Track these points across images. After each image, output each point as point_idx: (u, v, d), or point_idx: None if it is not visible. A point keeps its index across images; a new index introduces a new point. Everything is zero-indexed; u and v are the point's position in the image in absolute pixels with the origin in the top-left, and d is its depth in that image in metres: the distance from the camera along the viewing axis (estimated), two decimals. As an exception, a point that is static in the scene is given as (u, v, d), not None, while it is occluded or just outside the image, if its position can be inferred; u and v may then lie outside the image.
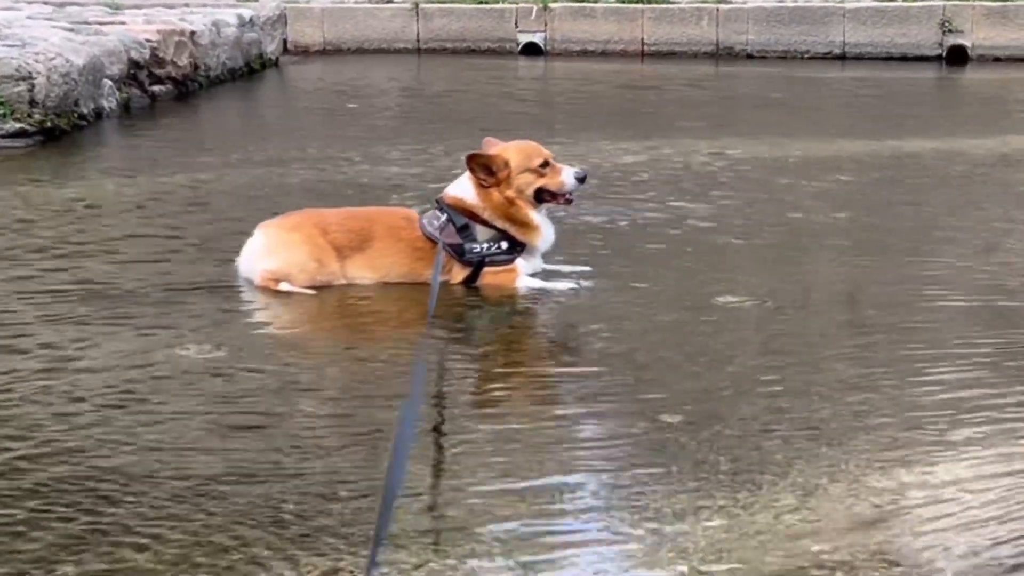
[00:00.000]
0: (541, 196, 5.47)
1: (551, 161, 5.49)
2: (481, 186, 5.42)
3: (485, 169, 5.41)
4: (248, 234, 5.57)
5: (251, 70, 13.72)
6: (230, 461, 3.64)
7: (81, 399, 4.12)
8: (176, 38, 11.69)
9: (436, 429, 3.91)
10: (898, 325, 4.96)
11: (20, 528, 3.22)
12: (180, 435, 3.83)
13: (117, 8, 13.86)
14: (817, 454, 3.68)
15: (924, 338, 4.79)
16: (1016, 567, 3.04)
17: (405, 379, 4.28)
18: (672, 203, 7.20)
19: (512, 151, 5.47)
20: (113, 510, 3.32)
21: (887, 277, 5.66)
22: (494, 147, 5.55)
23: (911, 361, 4.52)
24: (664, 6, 16.02)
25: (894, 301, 5.30)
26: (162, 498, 3.39)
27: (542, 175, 5.44)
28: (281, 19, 15.41)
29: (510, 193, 5.40)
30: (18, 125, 8.91)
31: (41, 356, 4.55)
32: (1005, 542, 3.15)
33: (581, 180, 5.52)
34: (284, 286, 5.34)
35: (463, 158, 5.53)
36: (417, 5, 16.31)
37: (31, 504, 3.36)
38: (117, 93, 10.45)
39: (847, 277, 5.73)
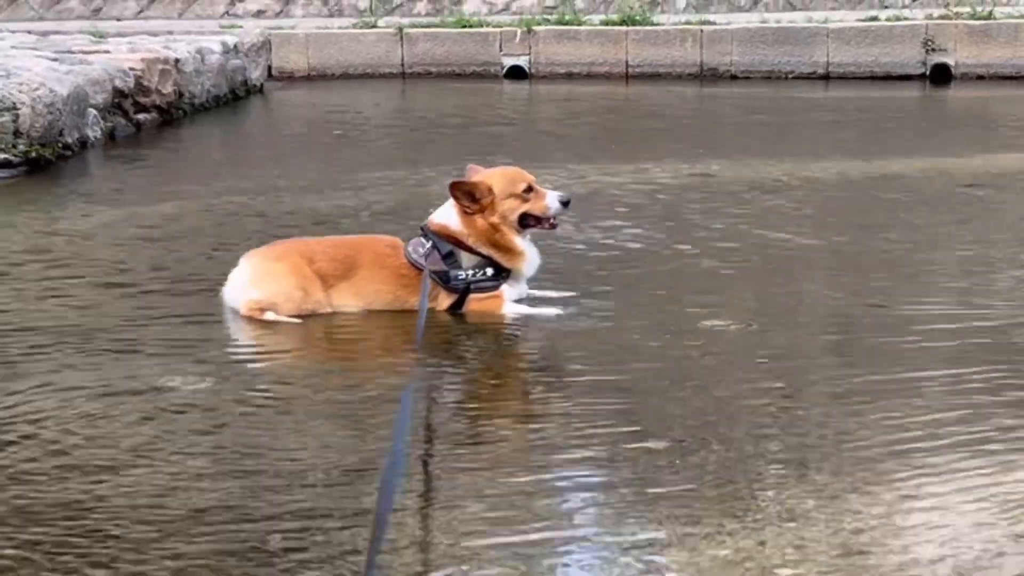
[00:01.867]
0: (526, 221, 5.47)
1: (535, 186, 5.50)
2: (465, 213, 5.42)
3: (469, 196, 5.41)
4: (233, 264, 5.57)
5: (236, 97, 13.73)
6: (216, 493, 3.63)
7: (66, 430, 4.11)
8: (160, 66, 11.70)
9: (423, 458, 3.90)
10: (884, 348, 4.96)
11: (7, 562, 3.21)
12: (166, 466, 3.82)
13: (101, 37, 13.87)
14: (803, 479, 3.68)
15: (910, 361, 4.79)
16: (1003, 591, 3.04)
17: (393, 408, 4.27)
18: (657, 226, 7.20)
19: (495, 177, 5.48)
20: (99, 544, 3.30)
21: (872, 299, 5.66)
22: (477, 174, 5.55)
23: (897, 384, 4.52)
24: (648, 28, 16.06)
25: (879, 323, 5.30)
26: (148, 531, 3.38)
27: (526, 200, 5.45)
28: (265, 45, 15.42)
29: (494, 219, 5.40)
30: (2, 156, 8.91)
31: (25, 387, 4.53)
32: (991, 567, 3.15)
33: (565, 204, 5.53)
34: (270, 316, 5.34)
35: (447, 185, 5.54)
36: (401, 30, 16.34)
37: (19, 537, 3.34)
38: (102, 122, 10.45)
39: (832, 299, 5.73)
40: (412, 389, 4.33)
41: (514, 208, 5.43)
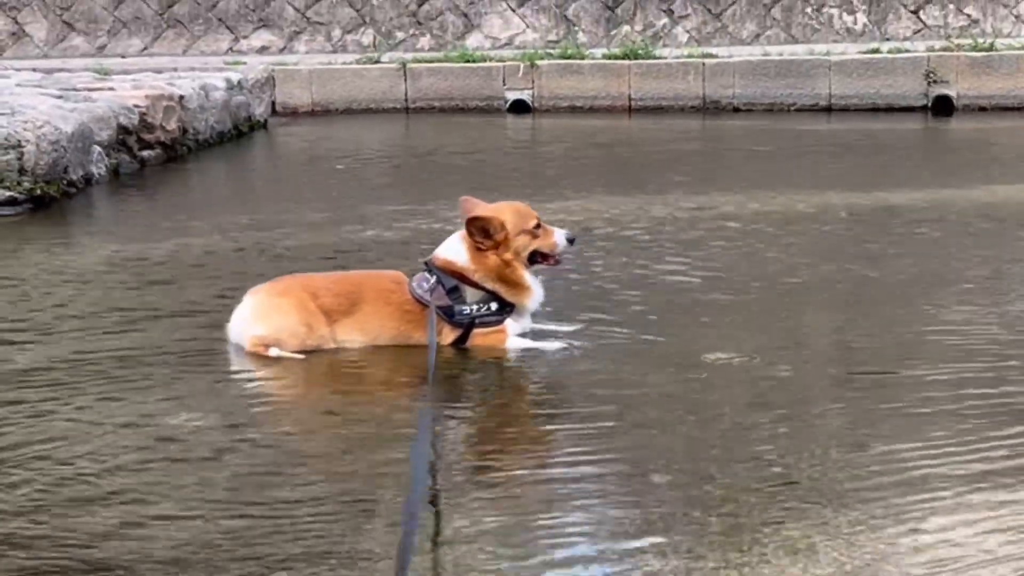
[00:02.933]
0: (534, 258, 5.50)
1: (542, 222, 5.53)
2: (478, 249, 5.44)
3: (482, 232, 5.42)
4: (237, 300, 5.58)
5: (240, 133, 13.76)
6: (222, 530, 3.63)
7: (68, 465, 4.12)
8: (165, 103, 11.74)
9: (433, 495, 3.90)
10: (887, 381, 4.97)
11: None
12: (168, 503, 3.82)
13: (105, 74, 13.93)
14: (808, 512, 3.68)
15: (915, 393, 4.79)
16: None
17: (398, 444, 4.29)
18: (660, 259, 7.21)
19: (507, 213, 5.50)
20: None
21: (875, 331, 5.66)
22: (478, 207, 5.56)
23: (901, 417, 4.52)
24: (650, 61, 16.10)
25: (883, 356, 5.30)
26: (152, 570, 3.38)
27: (536, 236, 5.48)
28: (269, 81, 15.49)
29: (508, 255, 5.42)
30: (7, 193, 8.94)
31: (28, 424, 4.54)
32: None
33: (571, 242, 5.57)
34: (274, 351, 5.35)
35: (458, 220, 5.55)
36: (404, 65, 16.39)
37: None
38: (106, 159, 10.48)
39: (835, 331, 5.74)
40: (429, 424, 4.32)
41: (526, 244, 5.46)
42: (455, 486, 4.00)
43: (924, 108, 15.30)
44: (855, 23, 18.12)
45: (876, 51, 16.07)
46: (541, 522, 3.69)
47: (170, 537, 3.59)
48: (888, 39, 17.60)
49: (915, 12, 18.01)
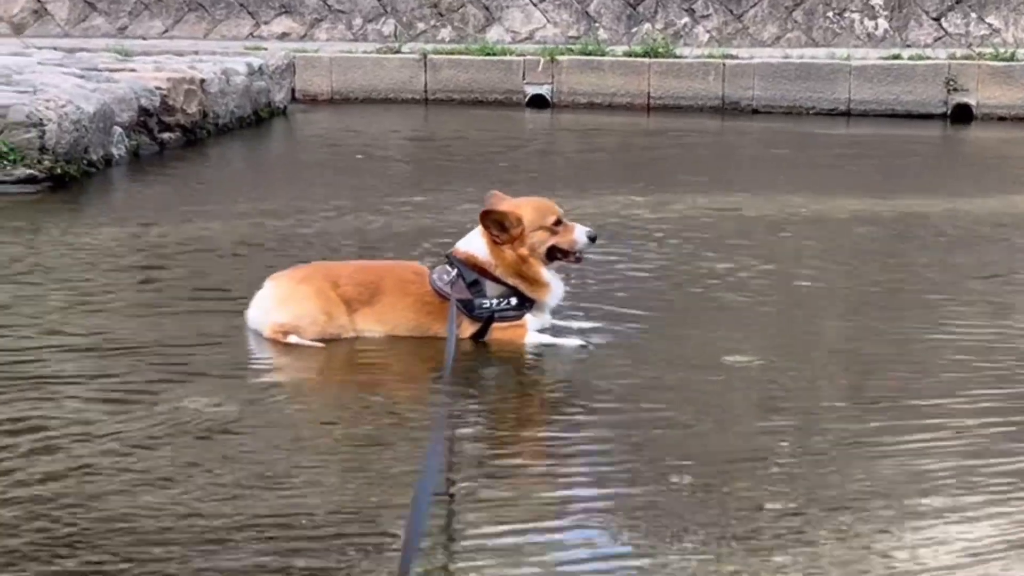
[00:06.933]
0: (553, 254, 5.49)
1: (563, 219, 5.52)
2: (494, 243, 5.44)
3: (499, 226, 5.42)
4: (256, 285, 5.59)
5: (259, 118, 13.77)
6: (237, 518, 3.64)
7: (86, 451, 4.13)
8: (186, 86, 11.75)
9: (446, 490, 3.90)
10: (907, 387, 4.97)
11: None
12: (183, 489, 3.84)
13: (127, 55, 13.94)
14: (827, 518, 3.68)
15: (933, 401, 4.79)
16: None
17: (415, 435, 4.30)
18: (678, 259, 7.22)
19: (526, 208, 5.49)
20: (120, 566, 3.32)
21: (893, 337, 5.66)
22: (505, 202, 5.56)
23: (921, 424, 4.51)
24: (671, 60, 16.09)
25: (901, 362, 5.31)
26: (170, 556, 3.39)
27: (555, 233, 5.47)
28: (290, 68, 15.48)
29: (523, 251, 5.42)
30: (28, 171, 8.96)
31: (42, 403, 4.55)
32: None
33: (592, 239, 5.55)
34: (293, 339, 5.35)
35: (474, 213, 5.55)
36: (425, 56, 16.40)
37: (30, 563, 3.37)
38: (127, 140, 10.50)
39: (851, 337, 5.73)
40: (443, 423, 4.33)
41: (543, 240, 5.45)
42: (467, 482, 3.99)
43: (943, 116, 15.28)
44: (876, 28, 18.08)
45: (897, 57, 16.05)
46: (555, 522, 3.69)
47: (183, 520, 3.60)
48: (909, 45, 17.56)
49: (937, 19, 17.96)
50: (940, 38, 17.86)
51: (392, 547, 3.43)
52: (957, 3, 17.85)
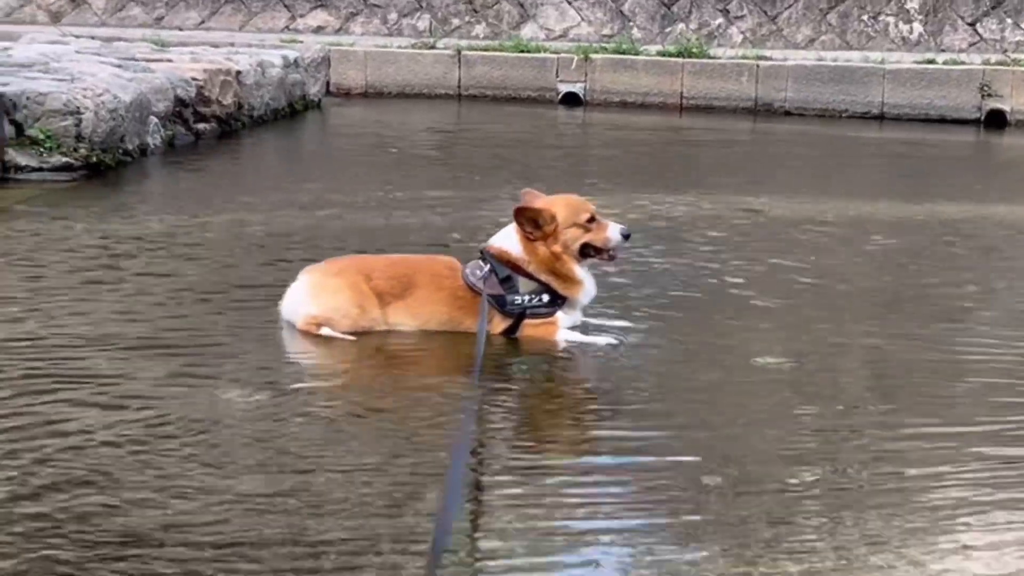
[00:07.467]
0: (586, 251, 5.50)
1: (597, 217, 5.53)
2: (528, 239, 5.46)
3: (532, 223, 5.44)
4: (290, 277, 5.62)
5: (294, 111, 13.83)
6: (270, 509, 3.67)
7: (119, 439, 4.16)
8: (222, 77, 11.81)
9: (475, 485, 3.93)
10: (937, 392, 4.97)
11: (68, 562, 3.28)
12: (220, 480, 3.87)
13: (163, 45, 14.01)
14: (858, 523, 3.68)
15: (965, 407, 4.78)
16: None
17: (445, 430, 4.32)
18: (709, 259, 7.22)
19: (559, 205, 5.51)
20: (151, 552, 3.36)
21: (924, 342, 5.65)
22: (539, 200, 5.58)
23: (952, 431, 4.50)
24: (704, 61, 16.10)
25: (931, 366, 5.31)
26: (202, 543, 3.43)
27: (588, 230, 5.48)
28: (325, 61, 15.53)
29: (556, 248, 5.44)
30: (64, 159, 9.02)
31: (74, 393, 4.59)
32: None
33: (626, 237, 5.54)
34: (326, 331, 5.38)
35: (508, 209, 5.57)
36: (459, 52, 16.44)
37: (67, 552, 3.40)
38: (162, 130, 10.56)
39: (883, 340, 5.71)
40: (472, 413, 4.36)
41: (576, 237, 5.46)
42: (493, 478, 4.01)
43: (977, 121, 15.25)
44: (911, 32, 18.04)
45: (931, 62, 16.02)
46: (581, 518, 3.71)
47: (214, 510, 3.63)
48: (944, 50, 17.51)
49: (972, 25, 17.91)
50: (975, 43, 17.81)
51: (421, 541, 3.45)
52: (992, 8, 17.79)
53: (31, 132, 9.00)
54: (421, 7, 18.86)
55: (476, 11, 18.72)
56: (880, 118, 15.45)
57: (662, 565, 3.41)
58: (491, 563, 3.39)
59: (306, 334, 5.40)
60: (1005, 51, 16.56)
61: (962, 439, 4.42)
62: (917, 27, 18.05)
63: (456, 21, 18.79)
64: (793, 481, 3.99)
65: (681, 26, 18.33)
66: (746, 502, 3.82)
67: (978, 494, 3.93)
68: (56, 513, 3.58)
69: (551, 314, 5.47)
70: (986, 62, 15.96)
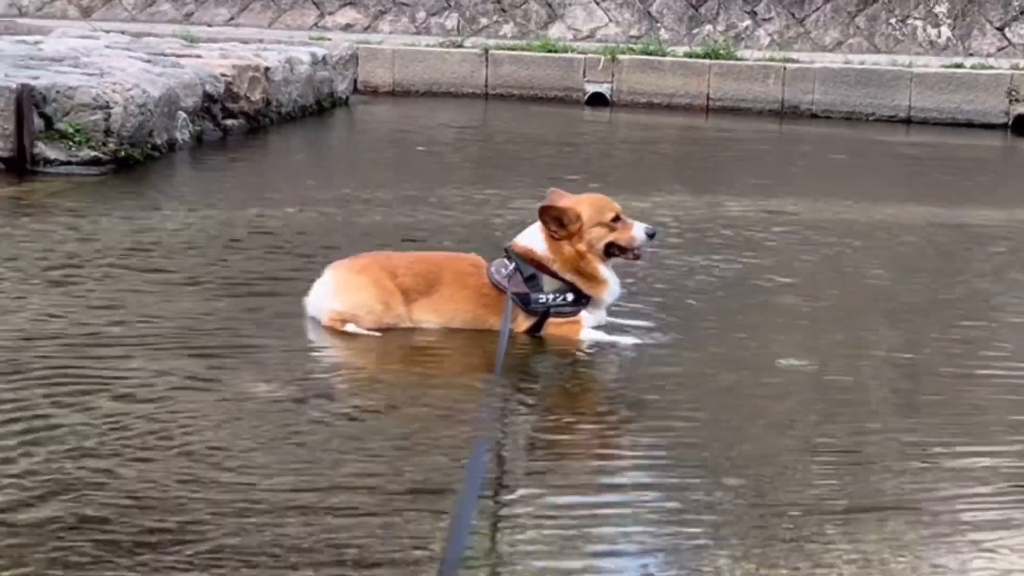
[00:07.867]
0: (611, 251, 5.51)
1: (622, 216, 5.54)
2: (552, 238, 5.48)
3: (557, 221, 5.46)
4: (316, 273, 5.65)
5: (321, 108, 13.87)
6: (293, 501, 3.69)
7: (146, 429, 4.19)
8: (250, 73, 11.85)
9: (496, 483, 3.94)
10: (960, 395, 4.97)
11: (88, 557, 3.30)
12: (245, 473, 3.89)
13: (192, 41, 14.07)
14: (879, 526, 3.68)
15: (988, 412, 4.78)
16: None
17: (468, 427, 4.34)
18: (734, 261, 7.22)
19: (584, 204, 5.52)
20: (175, 546, 3.38)
21: (948, 346, 5.65)
22: (564, 199, 5.60)
23: (974, 435, 4.50)
24: (731, 62, 16.08)
25: (955, 370, 5.31)
26: (224, 533, 3.45)
27: (613, 229, 5.49)
28: (353, 59, 15.55)
29: (581, 247, 5.45)
30: (92, 153, 9.06)
31: (101, 387, 4.61)
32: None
33: (651, 236, 5.55)
34: (350, 327, 5.41)
35: (534, 208, 5.58)
36: (487, 51, 16.46)
37: (89, 544, 3.43)
38: (190, 126, 10.60)
39: (908, 343, 5.70)
40: (492, 418, 4.37)
41: (601, 237, 5.47)
42: (514, 478, 4.02)
43: (1004, 126, 15.19)
44: (939, 36, 17.99)
45: (959, 66, 15.96)
46: (603, 518, 3.71)
47: (240, 506, 3.65)
48: (971, 54, 17.46)
49: (1000, 29, 17.85)
50: (1003, 48, 17.75)
51: (439, 536, 3.47)
52: (1021, 13, 17.72)
53: (60, 126, 9.05)
54: (449, 6, 18.89)
55: (504, 10, 18.74)
56: (907, 122, 15.40)
57: (683, 566, 3.41)
58: (509, 565, 3.40)
59: (331, 330, 5.42)
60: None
61: (987, 441, 4.42)
62: (945, 31, 18.00)
63: (484, 20, 18.81)
64: (816, 484, 3.99)
65: (709, 27, 18.32)
66: (767, 503, 3.82)
67: (1003, 497, 3.92)
68: (66, 516, 3.60)
69: (575, 313, 5.48)
70: (1014, 67, 15.89)
